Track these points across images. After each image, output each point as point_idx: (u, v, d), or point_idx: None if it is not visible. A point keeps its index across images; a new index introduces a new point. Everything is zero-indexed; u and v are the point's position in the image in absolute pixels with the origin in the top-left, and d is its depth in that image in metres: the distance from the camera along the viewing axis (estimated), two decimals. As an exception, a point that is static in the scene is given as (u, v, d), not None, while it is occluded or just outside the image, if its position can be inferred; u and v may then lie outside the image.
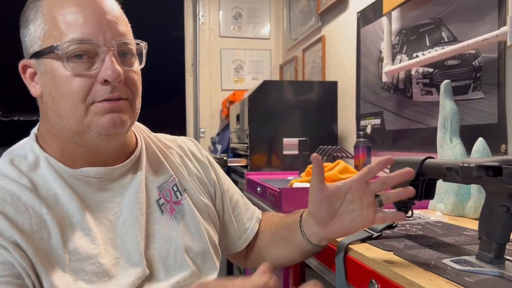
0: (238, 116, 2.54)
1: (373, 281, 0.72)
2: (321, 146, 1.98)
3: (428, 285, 0.60)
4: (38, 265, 0.64)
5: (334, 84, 2.30)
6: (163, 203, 0.80)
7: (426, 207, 1.27)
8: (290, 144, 1.96)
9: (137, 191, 0.77)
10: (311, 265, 1.03)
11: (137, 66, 0.75)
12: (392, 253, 0.77)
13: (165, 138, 0.92)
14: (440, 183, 1.18)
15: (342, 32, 2.35)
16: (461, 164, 0.68)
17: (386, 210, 1.24)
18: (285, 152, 2.01)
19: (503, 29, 1.12)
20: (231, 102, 3.02)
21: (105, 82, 0.69)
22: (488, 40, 1.18)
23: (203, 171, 0.91)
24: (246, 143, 2.29)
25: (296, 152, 1.90)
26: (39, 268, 0.64)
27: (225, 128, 3.33)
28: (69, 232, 0.69)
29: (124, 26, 0.73)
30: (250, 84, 3.40)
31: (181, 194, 0.82)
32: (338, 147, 1.92)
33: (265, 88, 2.25)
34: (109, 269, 0.69)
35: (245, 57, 3.55)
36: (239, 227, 0.94)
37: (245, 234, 0.94)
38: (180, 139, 0.94)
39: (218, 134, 3.39)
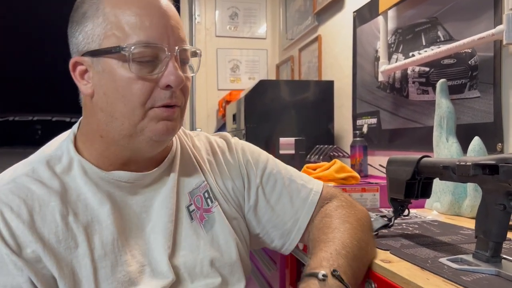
0: (234, 116, 2.54)
1: (370, 280, 0.72)
2: (317, 146, 1.99)
3: (425, 284, 0.60)
4: (61, 279, 0.65)
5: (330, 84, 2.30)
6: (194, 210, 0.78)
7: (422, 206, 1.27)
8: (287, 144, 1.95)
9: (168, 196, 0.76)
10: (307, 264, 1.03)
11: (191, 73, 0.75)
12: (388, 252, 0.77)
13: (200, 139, 0.89)
14: (436, 182, 1.18)
15: (338, 31, 2.35)
16: (457, 163, 0.68)
17: (384, 210, 1.24)
18: (281, 152, 2.01)
19: (499, 27, 1.12)
20: (228, 102, 3.01)
21: (167, 87, 0.69)
22: (484, 39, 1.17)
23: (232, 175, 0.85)
24: (243, 143, 2.28)
25: (293, 151, 1.90)
26: (61, 283, 0.65)
27: (221, 128, 3.32)
28: (96, 239, 0.69)
29: (183, 32, 0.73)
30: (247, 83, 3.39)
31: (212, 202, 0.80)
32: (335, 146, 1.92)
33: (261, 87, 2.25)
34: (135, 277, 0.69)
35: (241, 57, 3.54)
36: (281, 228, 0.84)
37: (288, 239, 0.84)
38: (214, 139, 0.90)
39: (214, 134, 3.38)
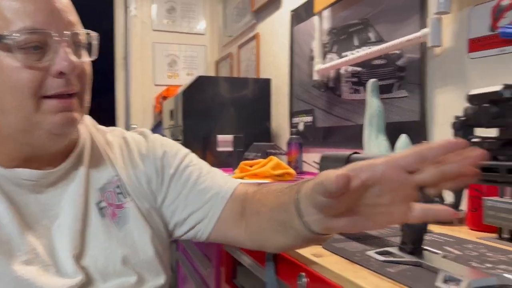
0: (171, 112, 2.48)
1: (301, 275, 0.72)
2: (255, 143, 2.00)
3: (353, 277, 0.61)
4: None
5: (268, 82, 2.32)
6: (105, 207, 0.74)
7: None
8: (225, 141, 1.95)
9: (76, 194, 0.72)
10: (243, 262, 1.03)
11: (88, 58, 0.71)
12: (320, 246, 0.78)
13: (114, 134, 0.84)
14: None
15: (276, 30, 2.37)
16: (384, 159, 0.70)
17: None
18: (219, 149, 2.00)
19: (425, 30, 1.18)
20: (165, 98, 2.95)
21: (60, 74, 0.64)
22: (411, 41, 1.23)
23: (147, 168, 0.82)
24: (180, 140, 2.24)
25: (231, 148, 1.90)
26: None
27: (158, 124, 3.24)
28: None
29: (74, 16, 0.68)
30: (185, 79, 3.34)
31: (124, 197, 0.77)
32: (272, 143, 1.95)
33: (200, 83, 2.22)
34: (37, 277, 0.64)
35: (179, 52, 3.48)
36: (195, 217, 0.81)
37: (203, 226, 0.81)
38: (130, 134, 0.86)
39: (151, 130, 3.30)
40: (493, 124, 0.51)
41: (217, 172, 0.86)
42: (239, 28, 2.96)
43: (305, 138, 1.94)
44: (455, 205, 0.60)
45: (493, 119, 0.50)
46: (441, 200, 0.63)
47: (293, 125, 2.12)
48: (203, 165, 0.87)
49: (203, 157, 2.17)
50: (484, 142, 0.53)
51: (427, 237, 0.86)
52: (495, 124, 0.51)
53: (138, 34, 3.36)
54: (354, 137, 1.59)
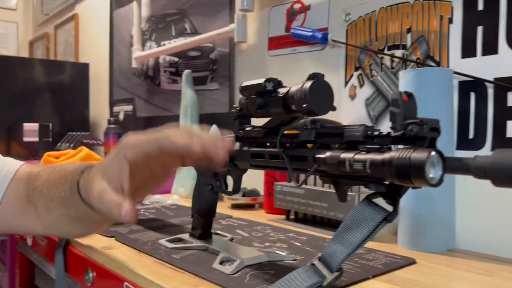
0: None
1: (88, 269, 0.69)
2: (69, 133, 1.84)
3: (137, 266, 0.60)
4: None
5: (86, 66, 2.16)
6: None
7: (169, 192, 1.31)
8: (31, 130, 1.75)
9: None
10: (35, 261, 0.93)
11: None
12: (113, 238, 0.75)
13: None
14: (182, 169, 1.24)
15: (95, 11, 2.22)
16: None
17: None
18: (25, 139, 1.79)
19: (232, 26, 1.23)
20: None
21: None
22: (221, 35, 1.28)
23: None
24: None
25: (37, 138, 1.71)
26: None
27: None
28: None
29: None
30: (-11, 59, 2.90)
31: None
32: (88, 133, 1.82)
33: (2, 64, 1.94)
34: None
35: (-17, 27, 3.00)
36: None
37: None
38: None
39: None
40: (259, 114, 0.55)
41: None
42: (56, 7, 2.69)
43: (126, 128, 1.86)
44: (235, 190, 0.64)
45: (259, 109, 0.54)
46: (225, 186, 0.67)
47: (113, 114, 2.02)
48: None
49: (7, 148, 1.91)
50: (253, 131, 0.58)
51: (224, 222, 0.90)
52: (261, 114, 0.55)
53: None
54: (171, 127, 1.59)
